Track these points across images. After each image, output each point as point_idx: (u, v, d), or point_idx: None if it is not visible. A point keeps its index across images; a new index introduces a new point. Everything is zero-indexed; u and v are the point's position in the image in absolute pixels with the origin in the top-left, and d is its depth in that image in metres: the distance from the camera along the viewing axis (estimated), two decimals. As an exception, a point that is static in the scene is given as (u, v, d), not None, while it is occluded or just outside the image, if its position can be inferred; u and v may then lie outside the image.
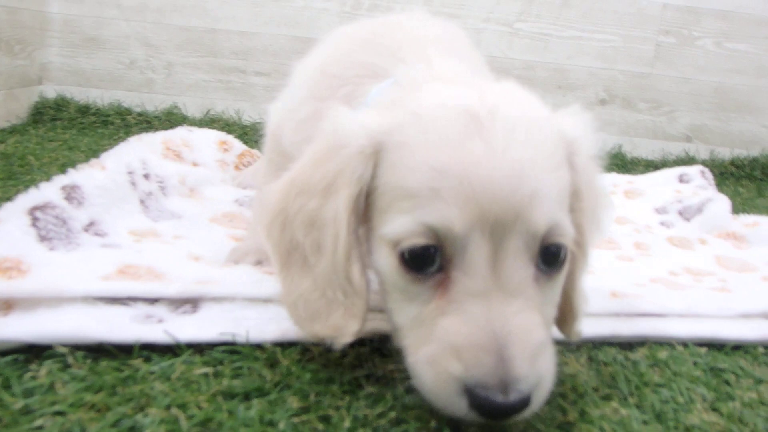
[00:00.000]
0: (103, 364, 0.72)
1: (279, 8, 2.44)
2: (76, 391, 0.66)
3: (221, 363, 0.74)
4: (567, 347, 0.87)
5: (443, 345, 0.61)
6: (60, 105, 2.36)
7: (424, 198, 0.62)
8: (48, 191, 0.96)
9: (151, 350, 0.75)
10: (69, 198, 0.97)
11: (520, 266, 0.63)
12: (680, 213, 1.51)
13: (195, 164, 1.44)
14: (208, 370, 0.72)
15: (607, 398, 0.75)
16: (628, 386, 0.78)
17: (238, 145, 1.60)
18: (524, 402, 0.58)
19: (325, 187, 0.69)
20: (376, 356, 0.79)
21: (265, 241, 0.75)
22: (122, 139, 1.53)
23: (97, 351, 0.73)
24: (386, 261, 0.66)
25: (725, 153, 2.62)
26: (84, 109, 2.37)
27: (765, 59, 2.58)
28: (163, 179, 1.22)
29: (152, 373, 0.71)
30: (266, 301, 0.85)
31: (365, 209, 0.69)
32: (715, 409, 0.75)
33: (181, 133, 1.49)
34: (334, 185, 0.68)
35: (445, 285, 0.63)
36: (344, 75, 0.92)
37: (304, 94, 0.97)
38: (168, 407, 0.65)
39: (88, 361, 0.72)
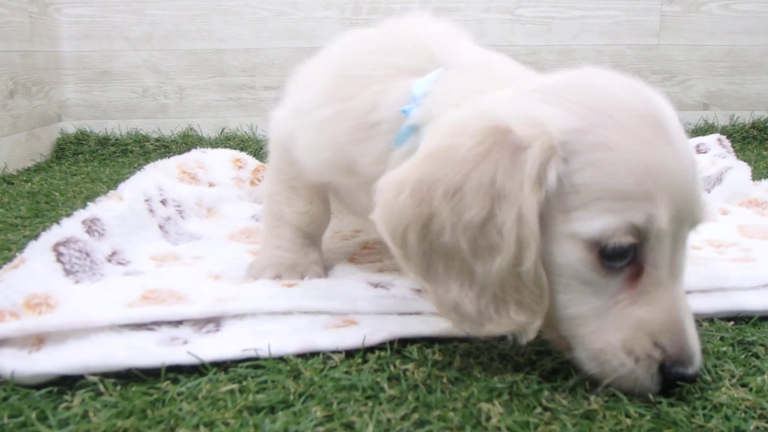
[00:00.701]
0: (133, 389, 0.74)
1: (280, 22, 2.47)
2: (108, 418, 0.68)
3: (246, 378, 0.76)
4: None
5: (641, 332, 0.67)
6: (80, 139, 2.43)
7: (631, 199, 0.65)
8: (69, 226, 0.99)
9: (178, 372, 0.77)
10: (90, 231, 1.00)
11: (685, 252, 0.71)
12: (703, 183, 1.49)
13: (211, 184, 1.47)
14: (234, 386, 0.74)
15: None
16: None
17: (251, 161, 1.63)
18: (699, 371, 0.69)
19: (494, 190, 0.66)
20: (396, 358, 0.80)
21: (393, 245, 0.71)
22: (142, 166, 1.57)
23: (126, 377, 0.76)
24: (574, 257, 0.68)
25: (745, 117, 2.59)
26: (104, 141, 2.43)
27: (775, 16, 2.54)
28: (180, 203, 1.25)
29: (180, 394, 0.73)
30: (286, 313, 0.87)
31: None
32: (744, 385, 0.73)
33: (195, 155, 1.53)
34: (508, 188, 0.66)
35: (634, 277, 0.68)
36: (372, 75, 0.91)
37: (321, 98, 0.95)
38: (197, 426, 0.67)
39: (118, 387, 0.74)
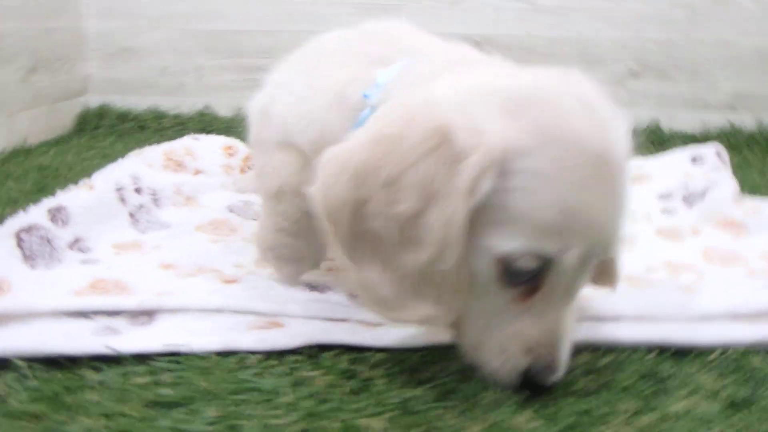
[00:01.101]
0: (58, 375, 0.80)
1: (297, 5, 2.49)
2: (24, 402, 0.73)
3: (162, 372, 0.81)
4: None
5: (517, 340, 0.75)
6: (102, 114, 2.51)
7: (549, 232, 0.69)
8: (34, 214, 1.05)
9: (104, 361, 0.83)
10: (54, 219, 1.06)
11: (584, 280, 0.76)
12: (685, 199, 1.45)
13: (198, 171, 1.52)
14: (147, 379, 0.79)
15: (521, 407, 0.74)
16: (550, 395, 0.77)
17: (243, 149, 1.67)
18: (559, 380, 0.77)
19: (429, 189, 0.69)
20: (308, 364, 0.84)
21: (327, 222, 0.74)
22: (156, 142, 1.62)
23: (56, 363, 0.82)
24: (483, 266, 0.72)
25: (773, 120, 2.49)
26: (123, 116, 2.50)
27: (811, 14, 2.43)
28: (157, 191, 1.30)
29: (97, 382, 0.79)
30: (218, 311, 0.92)
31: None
32: (629, 423, 0.73)
33: (185, 142, 1.58)
34: (443, 191, 0.68)
35: (528, 293, 0.74)
36: (345, 61, 0.97)
37: (300, 76, 1.02)
38: (96, 416, 0.72)
39: (44, 373, 0.80)
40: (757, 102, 2.50)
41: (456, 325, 0.80)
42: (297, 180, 0.97)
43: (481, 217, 0.70)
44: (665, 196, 1.49)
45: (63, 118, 2.38)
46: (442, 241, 0.69)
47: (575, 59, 2.49)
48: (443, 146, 0.69)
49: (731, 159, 1.99)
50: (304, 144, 0.98)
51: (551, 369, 0.75)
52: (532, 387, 0.75)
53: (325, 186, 0.73)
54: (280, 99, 1.03)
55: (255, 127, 1.09)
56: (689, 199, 1.45)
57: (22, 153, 1.99)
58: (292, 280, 1.03)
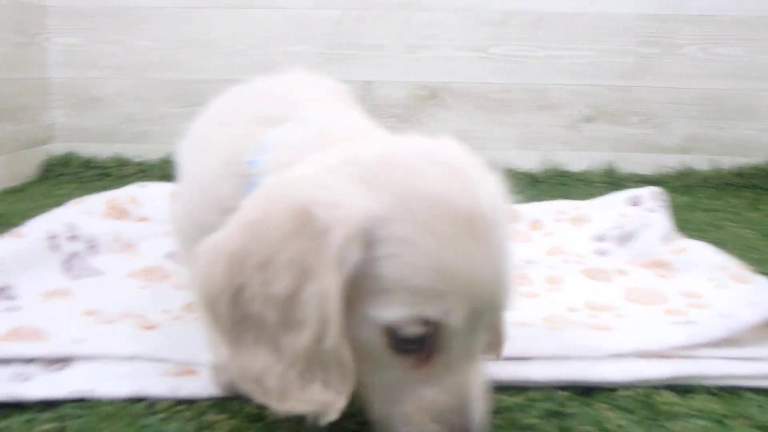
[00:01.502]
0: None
1: (257, 55, 2.56)
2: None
3: (67, 419, 0.82)
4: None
5: (423, 409, 0.72)
6: (66, 162, 2.54)
7: (427, 295, 0.67)
8: (-41, 262, 1.07)
9: (14, 408, 0.83)
10: (-18, 267, 1.08)
11: (483, 337, 0.74)
12: (618, 239, 1.49)
13: (142, 219, 1.53)
14: (52, 426, 0.80)
15: None
16: None
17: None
18: None
19: (300, 268, 0.67)
20: (215, 409, 0.84)
21: (206, 313, 0.72)
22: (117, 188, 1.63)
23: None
24: (371, 338, 0.70)
25: (726, 162, 2.56)
26: (87, 164, 2.53)
27: (756, 60, 2.51)
28: (94, 238, 1.32)
29: (3, 429, 0.79)
30: (132, 358, 0.93)
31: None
32: None
33: (130, 190, 1.60)
34: (313, 267, 0.67)
35: (426, 359, 0.71)
36: (232, 122, 0.95)
37: (192, 146, 1.02)
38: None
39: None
40: (709, 144, 2.57)
41: (365, 403, 0.76)
42: None
43: (359, 288, 0.68)
44: (600, 238, 1.52)
45: (25, 166, 2.40)
46: (320, 319, 0.67)
47: (530, 105, 2.56)
48: (306, 224, 0.68)
49: (683, 200, 2.04)
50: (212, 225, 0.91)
51: (466, 430, 0.71)
52: None
53: (201, 275, 0.72)
54: (180, 184, 1.02)
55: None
56: (622, 239, 1.48)
57: (-21, 201, 2.00)
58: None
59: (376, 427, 0.75)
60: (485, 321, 0.72)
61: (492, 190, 0.74)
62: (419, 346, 0.70)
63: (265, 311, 0.69)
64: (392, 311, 0.68)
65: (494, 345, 0.87)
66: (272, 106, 0.95)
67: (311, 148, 0.81)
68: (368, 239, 0.67)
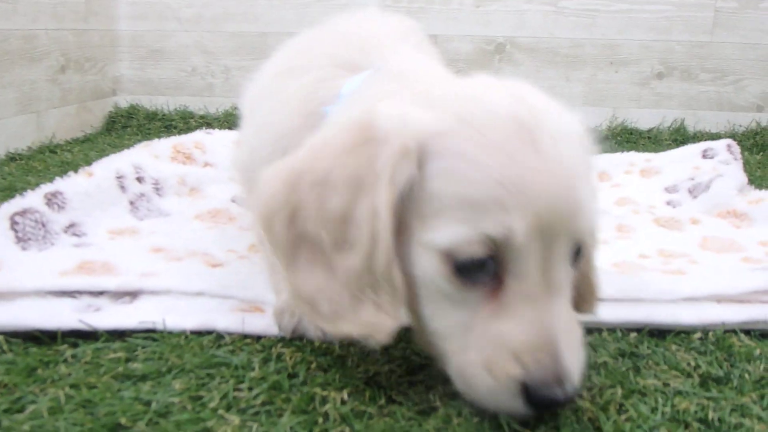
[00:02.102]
0: (33, 350, 0.82)
1: (322, 7, 2.53)
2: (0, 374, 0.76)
3: (137, 349, 0.83)
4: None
5: (501, 349, 0.63)
6: (131, 113, 2.57)
7: (485, 209, 0.62)
8: (30, 198, 1.09)
9: (83, 337, 0.85)
10: (50, 203, 1.09)
11: (564, 268, 0.66)
12: (690, 191, 1.44)
13: (207, 164, 1.54)
14: (120, 354, 0.81)
15: None
16: None
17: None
18: (577, 392, 0.65)
19: (354, 183, 0.66)
20: (282, 344, 0.84)
21: (263, 233, 0.72)
22: None
23: (35, 339, 0.84)
24: (431, 267, 0.65)
25: (801, 121, 2.43)
26: (152, 116, 2.56)
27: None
28: (159, 180, 1.33)
29: (73, 356, 0.81)
30: (198, 294, 0.93)
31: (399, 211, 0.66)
32: (593, 397, 0.72)
33: (196, 136, 1.61)
34: (367, 182, 0.65)
35: (497, 291, 0.65)
36: (309, 66, 0.94)
37: (265, 90, 1.01)
38: (65, 386, 0.73)
39: (21, 347, 0.82)
40: (786, 103, 2.45)
41: (435, 352, 0.71)
42: None
43: (414, 213, 0.66)
44: (671, 189, 1.48)
45: (92, 118, 2.44)
46: (371, 237, 0.64)
47: (600, 61, 2.47)
48: (366, 139, 0.66)
49: (756, 158, 1.95)
50: None
51: (556, 378, 0.62)
52: (541, 405, 0.63)
53: (260, 196, 0.71)
54: (247, 130, 1.02)
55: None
56: (694, 191, 1.43)
57: (47, 149, 2.05)
58: None
59: (453, 381, 0.69)
60: (564, 247, 0.65)
61: (566, 121, 0.70)
62: (487, 273, 0.64)
63: (319, 231, 0.67)
64: (449, 231, 0.63)
65: (586, 297, 0.80)
66: (350, 51, 0.93)
67: (388, 94, 0.78)
68: (423, 154, 0.65)
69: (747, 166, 1.65)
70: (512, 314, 0.64)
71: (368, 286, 0.66)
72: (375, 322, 0.66)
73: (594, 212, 0.68)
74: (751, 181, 1.55)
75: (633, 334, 0.88)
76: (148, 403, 0.70)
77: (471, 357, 0.65)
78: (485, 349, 0.64)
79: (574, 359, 0.64)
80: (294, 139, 0.86)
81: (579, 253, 0.69)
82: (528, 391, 0.62)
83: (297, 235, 0.69)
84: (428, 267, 0.66)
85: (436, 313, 0.68)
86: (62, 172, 1.74)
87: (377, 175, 0.64)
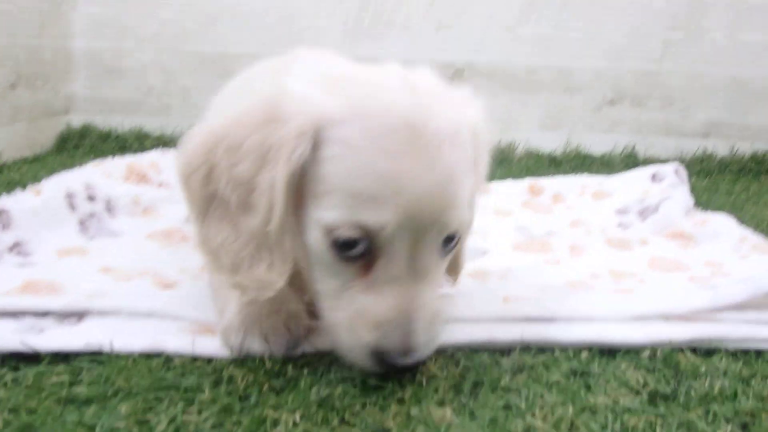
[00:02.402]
0: (-27, 372, 0.79)
1: (284, 29, 2.53)
2: (-66, 399, 0.73)
3: (81, 372, 0.80)
4: (439, 353, 0.88)
5: (361, 317, 0.76)
6: (84, 133, 2.52)
7: (362, 200, 0.73)
8: (-27, 216, 1.05)
9: (25, 360, 0.82)
10: (-6, 222, 1.06)
11: (431, 255, 0.78)
12: (640, 213, 1.48)
13: (161, 185, 1.52)
14: (65, 378, 0.78)
15: (441, 403, 0.75)
16: (474, 391, 0.78)
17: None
18: (420, 361, 0.78)
19: (260, 154, 0.75)
20: (233, 365, 0.83)
21: (182, 187, 0.80)
22: None
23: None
24: (316, 240, 0.76)
25: (746, 148, 2.51)
26: (105, 136, 2.51)
27: (782, 47, 2.46)
28: (111, 200, 1.30)
29: (14, 380, 0.78)
30: (147, 314, 0.91)
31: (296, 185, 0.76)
32: (545, 416, 0.73)
33: (151, 156, 1.58)
34: (269, 156, 0.74)
35: (368, 268, 0.76)
36: (255, 89, 0.98)
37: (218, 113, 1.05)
38: (4, 411, 0.70)
39: (-40, 371, 0.79)
40: (730, 130, 2.53)
41: (318, 309, 0.82)
42: None
43: (310, 191, 0.75)
44: (622, 211, 1.51)
45: (43, 136, 2.39)
46: (269, 203, 0.74)
47: (555, 86, 2.52)
48: (274, 118, 0.75)
49: (702, 184, 2.01)
50: None
51: (404, 349, 0.75)
52: (388, 367, 0.76)
53: (181, 153, 0.80)
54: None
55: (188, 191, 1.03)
56: (644, 213, 1.47)
57: (-6, 169, 1.99)
58: None
59: (327, 333, 0.82)
60: (433, 239, 0.76)
61: (456, 115, 0.79)
62: (360, 253, 0.75)
63: (229, 192, 0.76)
64: (331, 213, 0.74)
65: (452, 269, 0.94)
66: (283, 69, 0.96)
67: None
68: (318, 138, 0.74)
69: (694, 191, 1.70)
70: (377, 291, 0.75)
71: (264, 247, 0.77)
72: (266, 279, 0.77)
73: (465, 207, 0.79)
74: (698, 206, 1.60)
75: (584, 353, 0.89)
76: (92, 428, 0.68)
77: (339, 318, 0.78)
78: (349, 313, 0.77)
79: (423, 335, 0.76)
80: None
81: (453, 241, 0.80)
82: (379, 355, 0.75)
83: (210, 193, 0.78)
84: (315, 239, 0.76)
85: (319, 277, 0.79)
86: (8, 192, 1.71)
87: (278, 150, 0.74)
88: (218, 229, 0.78)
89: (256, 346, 0.85)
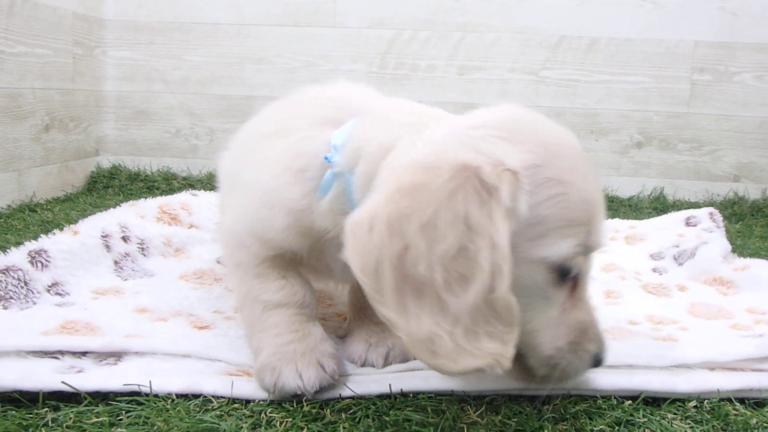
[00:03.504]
0: (13, 413, 0.79)
1: (309, 72, 2.57)
2: (-24, 437, 0.73)
3: (121, 413, 0.80)
4: (477, 399, 0.87)
5: (578, 332, 0.81)
6: (113, 174, 2.56)
7: (581, 224, 0.77)
8: (14, 255, 1.06)
9: (65, 400, 0.81)
10: (33, 261, 1.07)
11: None
12: (675, 258, 1.45)
13: (192, 226, 1.53)
14: (104, 419, 0.78)
15: None
16: None
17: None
18: None
19: (467, 222, 0.70)
20: (272, 408, 0.82)
21: (367, 280, 0.71)
22: None
23: (15, 401, 0.81)
24: (539, 277, 0.77)
25: (778, 191, 2.49)
26: (134, 176, 2.55)
27: (812, 90, 2.46)
28: (145, 240, 1.31)
29: (54, 420, 0.77)
30: (184, 356, 0.90)
31: None
32: None
33: (182, 197, 1.60)
34: (480, 220, 0.70)
35: (574, 287, 0.81)
36: (296, 125, 0.96)
37: (254, 154, 1.00)
38: (46, 453, 0.70)
39: (0, 410, 0.79)
40: (762, 173, 2.51)
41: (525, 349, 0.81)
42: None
43: (522, 236, 0.75)
44: (656, 256, 1.48)
45: (74, 177, 2.43)
46: (492, 270, 0.70)
47: (581, 129, 2.52)
48: (470, 180, 0.72)
49: (735, 227, 1.98)
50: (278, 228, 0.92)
51: (606, 347, 0.83)
52: (597, 365, 0.83)
53: (357, 244, 0.72)
54: (230, 194, 1.04)
55: (231, 248, 1.00)
56: (679, 259, 1.44)
57: (27, 208, 2.02)
58: None
59: (534, 370, 0.81)
60: None
61: None
62: (575, 275, 0.80)
63: (430, 271, 0.70)
64: (562, 246, 0.76)
65: None
66: (328, 110, 0.96)
67: (401, 129, 0.85)
68: (530, 187, 0.75)
69: (727, 235, 1.67)
70: (582, 305, 0.82)
71: (481, 318, 0.71)
72: (494, 351, 0.70)
73: None
74: (732, 250, 1.56)
75: (628, 402, 0.87)
76: (133, 471, 0.68)
77: (558, 345, 0.80)
78: (569, 335, 0.80)
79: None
80: (283, 194, 0.90)
81: None
82: (595, 358, 0.81)
83: (404, 279, 0.71)
84: (537, 278, 0.77)
85: (533, 315, 0.79)
86: (42, 231, 1.72)
87: (493, 214, 0.71)
88: (420, 317, 0.70)
89: (290, 381, 0.84)
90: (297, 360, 0.85)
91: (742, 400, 0.88)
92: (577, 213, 0.76)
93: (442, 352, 0.70)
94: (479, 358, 0.70)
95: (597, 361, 0.82)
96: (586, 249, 0.79)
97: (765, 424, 0.82)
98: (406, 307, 0.70)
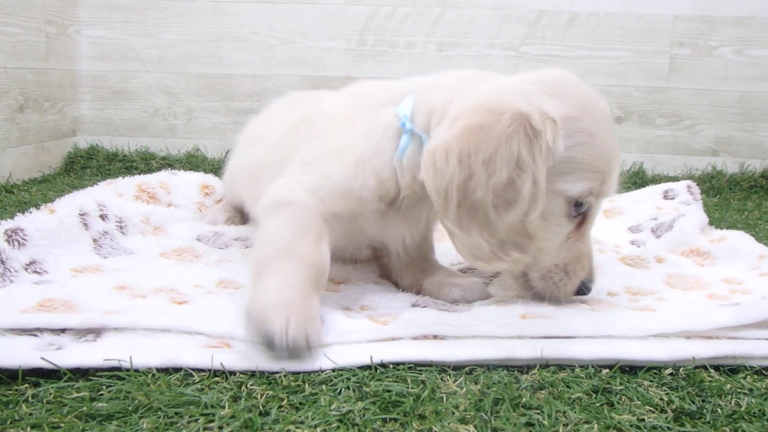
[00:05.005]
0: (-8, 389, 0.78)
1: (288, 50, 2.55)
2: (-47, 415, 0.72)
3: (101, 387, 0.79)
4: (456, 369, 0.88)
5: (576, 259, 1.02)
6: (90, 154, 2.53)
7: (600, 172, 0.97)
8: (-11, 235, 1.05)
9: (46, 377, 0.81)
10: (10, 240, 1.06)
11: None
12: (653, 230, 1.47)
13: (170, 205, 1.52)
14: (84, 393, 0.77)
15: (463, 420, 0.74)
16: (495, 409, 0.77)
17: (219, 190, 1.67)
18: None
19: (518, 161, 0.91)
20: (252, 380, 0.82)
21: (438, 200, 0.95)
22: None
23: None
24: (558, 207, 0.98)
25: (756, 165, 2.52)
26: (112, 157, 2.53)
27: (790, 64, 2.48)
28: (123, 219, 1.30)
29: (34, 396, 0.77)
30: (164, 330, 0.90)
31: None
32: None
33: (161, 176, 1.58)
34: (527, 159, 0.91)
35: (581, 223, 1.02)
36: (358, 114, 1.12)
37: (326, 145, 1.12)
38: (25, 427, 0.70)
39: (-20, 387, 0.78)
40: (740, 147, 2.53)
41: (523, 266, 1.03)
42: None
43: (553, 171, 0.95)
44: (635, 229, 1.50)
45: (50, 158, 2.40)
46: (532, 199, 0.93)
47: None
48: (523, 127, 0.92)
49: (713, 201, 2.01)
50: (367, 194, 1.06)
51: (593, 277, 1.05)
52: (583, 292, 1.04)
53: (435, 170, 0.94)
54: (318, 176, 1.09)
55: (285, 211, 1.06)
56: (657, 231, 1.46)
57: (4, 189, 2.00)
58: None
59: (532, 282, 1.05)
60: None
61: None
62: (584, 211, 1.00)
63: (485, 196, 0.93)
64: (581, 185, 0.97)
65: None
66: (383, 96, 1.12)
67: (459, 89, 1.03)
68: (564, 133, 0.93)
69: (705, 208, 1.69)
70: (584, 239, 1.03)
71: (515, 234, 0.95)
72: (518, 258, 0.97)
73: None
74: (709, 223, 1.58)
75: (605, 371, 0.88)
76: (112, 444, 0.68)
77: (556, 262, 1.02)
78: (566, 258, 1.02)
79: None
80: (371, 162, 1.05)
81: None
82: (583, 285, 1.03)
83: (464, 199, 0.93)
84: (556, 207, 0.99)
85: (547, 236, 1.00)
86: (20, 212, 1.70)
87: (537, 155, 0.92)
88: (470, 230, 0.95)
89: (275, 327, 0.85)
90: (290, 315, 0.87)
91: (717, 367, 0.90)
92: (599, 162, 0.96)
93: (481, 256, 0.96)
94: (505, 262, 0.97)
95: (584, 288, 1.02)
96: (599, 194, 0.99)
97: (738, 390, 0.84)
98: (462, 221, 0.94)
